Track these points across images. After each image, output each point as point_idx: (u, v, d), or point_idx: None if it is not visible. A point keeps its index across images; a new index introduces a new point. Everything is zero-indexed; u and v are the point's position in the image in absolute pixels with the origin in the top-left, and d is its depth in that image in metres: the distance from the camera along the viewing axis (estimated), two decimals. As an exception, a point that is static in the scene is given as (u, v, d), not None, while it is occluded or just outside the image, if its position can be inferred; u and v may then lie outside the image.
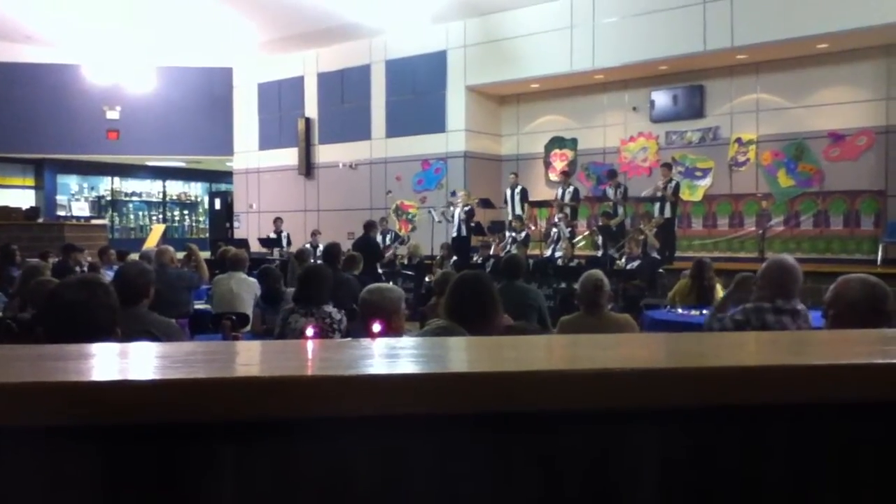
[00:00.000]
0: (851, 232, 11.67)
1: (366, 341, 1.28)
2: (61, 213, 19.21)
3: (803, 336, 1.85)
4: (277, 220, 15.44)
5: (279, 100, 17.55)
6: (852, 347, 1.31)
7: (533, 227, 13.24)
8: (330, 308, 4.45)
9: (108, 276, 5.08)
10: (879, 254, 10.76)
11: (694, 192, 12.92)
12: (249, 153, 18.25)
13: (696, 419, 0.98)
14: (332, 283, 4.83)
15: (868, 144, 11.46)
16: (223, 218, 20.37)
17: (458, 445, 0.96)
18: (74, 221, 16.89)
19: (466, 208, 13.18)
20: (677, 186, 11.72)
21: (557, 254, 11.64)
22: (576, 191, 12.83)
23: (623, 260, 10.41)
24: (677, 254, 11.67)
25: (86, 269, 9.19)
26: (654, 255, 10.40)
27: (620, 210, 12.21)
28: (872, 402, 0.98)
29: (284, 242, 15.03)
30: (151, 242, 14.81)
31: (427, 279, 10.04)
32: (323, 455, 0.95)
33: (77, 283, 2.60)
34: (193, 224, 23.02)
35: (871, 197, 11.49)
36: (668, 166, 12.00)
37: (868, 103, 11.45)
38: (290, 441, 0.94)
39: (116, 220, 21.34)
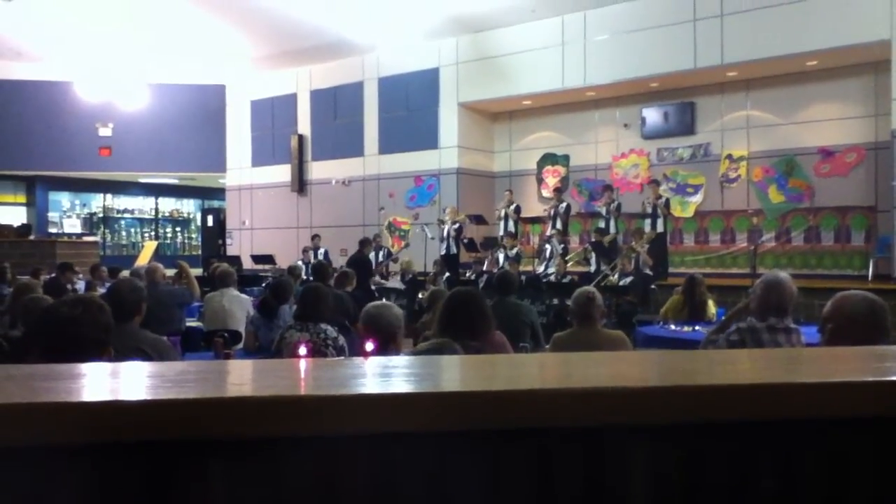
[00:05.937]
0: (842, 247, 11.72)
1: (359, 360, 1.27)
2: (53, 230, 19.10)
3: (795, 353, 1.85)
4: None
5: (272, 116, 17.57)
6: (845, 365, 1.31)
7: (527, 245, 13.22)
8: (326, 325, 4.43)
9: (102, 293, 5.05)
10: (870, 269, 10.80)
11: (685, 208, 12.98)
12: (242, 170, 18.24)
13: (689, 436, 0.98)
14: (332, 302, 4.82)
15: (858, 160, 11.54)
16: (216, 235, 20.29)
17: (453, 464, 0.96)
18: (66, 238, 16.74)
19: (455, 225, 13.18)
20: (668, 201, 11.79)
21: (550, 270, 11.64)
22: (567, 206, 12.85)
23: (616, 276, 10.42)
24: (670, 270, 11.70)
25: (79, 286, 9.11)
26: (647, 271, 10.42)
27: (612, 226, 12.21)
28: (865, 419, 0.98)
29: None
30: (143, 259, 14.70)
31: (420, 295, 10.02)
32: (316, 474, 0.95)
33: (72, 300, 2.59)
34: (186, 241, 22.91)
35: (861, 213, 11.55)
36: (656, 182, 12.06)
37: (857, 120, 11.55)
38: (283, 460, 0.94)
39: (108, 237, 21.21)
